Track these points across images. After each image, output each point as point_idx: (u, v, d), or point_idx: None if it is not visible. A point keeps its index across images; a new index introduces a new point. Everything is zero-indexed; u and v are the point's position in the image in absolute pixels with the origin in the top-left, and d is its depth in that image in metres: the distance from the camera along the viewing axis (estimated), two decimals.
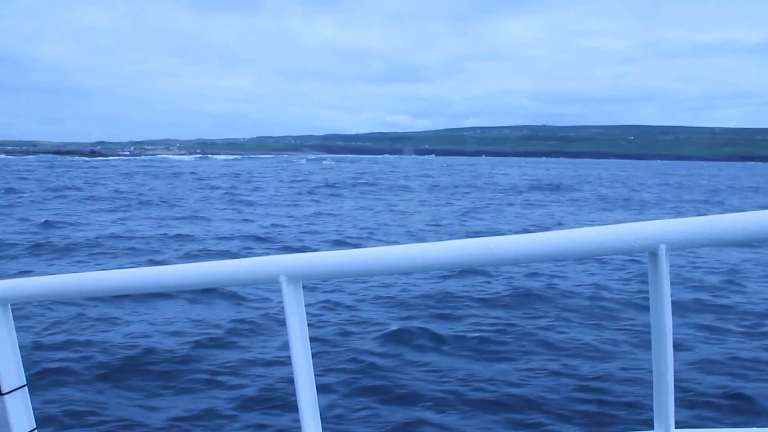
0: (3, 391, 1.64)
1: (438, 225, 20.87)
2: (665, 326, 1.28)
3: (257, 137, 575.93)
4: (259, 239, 16.89)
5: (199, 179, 51.13)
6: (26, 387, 1.70)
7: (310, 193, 36.53)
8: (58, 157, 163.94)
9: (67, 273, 1.67)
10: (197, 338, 7.86)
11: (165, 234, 17.34)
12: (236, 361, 7.07)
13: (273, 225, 20.14)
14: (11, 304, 1.66)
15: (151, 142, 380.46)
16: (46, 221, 19.43)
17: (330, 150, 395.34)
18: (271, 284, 1.41)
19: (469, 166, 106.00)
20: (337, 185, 44.17)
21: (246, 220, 21.40)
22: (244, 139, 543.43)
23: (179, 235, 17.10)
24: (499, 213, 25.22)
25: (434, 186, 45.28)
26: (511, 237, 1.31)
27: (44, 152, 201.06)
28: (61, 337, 7.95)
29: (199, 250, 14.80)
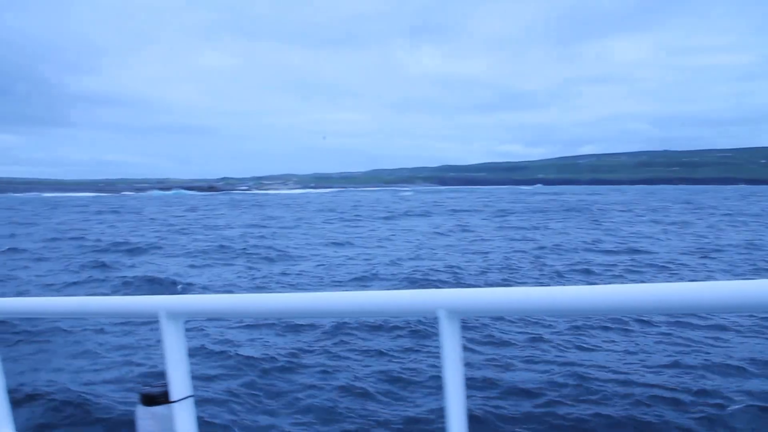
0: (172, 399, 1.73)
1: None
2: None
3: (372, 170, 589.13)
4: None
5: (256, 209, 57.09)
6: (192, 397, 1.78)
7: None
8: (184, 192, 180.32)
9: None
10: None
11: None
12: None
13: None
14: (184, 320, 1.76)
15: (270, 177, 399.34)
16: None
17: (442, 182, 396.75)
18: (428, 317, 1.42)
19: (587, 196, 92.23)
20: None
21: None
22: (359, 172, 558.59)
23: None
24: None
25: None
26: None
27: (167, 188, 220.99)
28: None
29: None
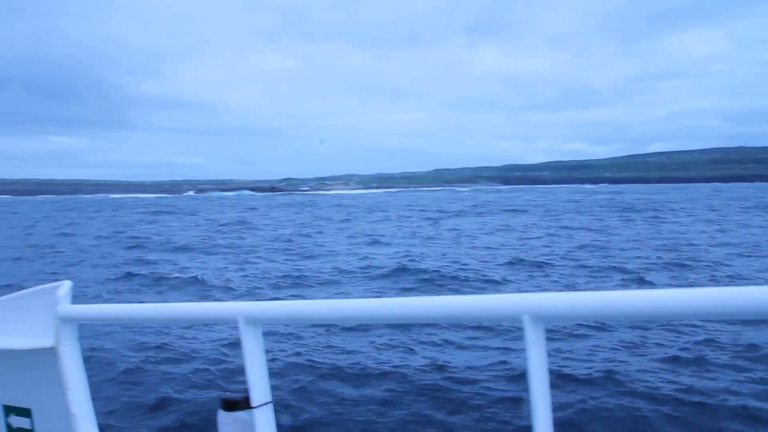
0: (252, 405, 1.76)
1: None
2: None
3: (434, 170, 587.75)
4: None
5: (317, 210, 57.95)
6: (271, 403, 1.80)
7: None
8: (246, 192, 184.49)
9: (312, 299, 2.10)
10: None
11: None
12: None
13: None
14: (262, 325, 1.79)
15: (333, 178, 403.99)
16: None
17: (506, 181, 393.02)
18: (511, 322, 1.41)
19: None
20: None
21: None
22: (421, 172, 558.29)
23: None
24: None
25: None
26: None
27: (230, 189, 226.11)
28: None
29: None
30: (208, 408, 6.91)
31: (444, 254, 21.23)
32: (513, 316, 1.39)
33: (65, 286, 2.17)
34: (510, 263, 18.29)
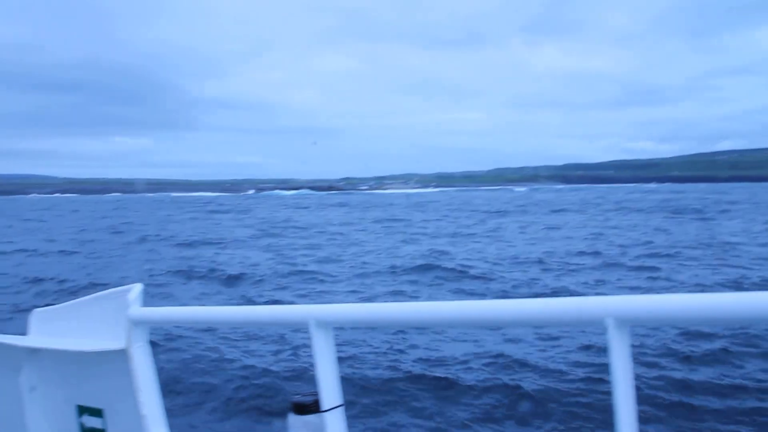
0: (323, 408, 1.75)
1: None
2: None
3: (495, 169, 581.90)
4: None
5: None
6: (342, 407, 1.79)
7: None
8: (305, 191, 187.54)
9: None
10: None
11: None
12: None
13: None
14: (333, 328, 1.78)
15: (392, 177, 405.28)
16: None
17: (567, 180, 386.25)
18: (594, 326, 1.36)
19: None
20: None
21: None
22: (482, 171, 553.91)
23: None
24: None
25: None
26: None
27: (290, 188, 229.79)
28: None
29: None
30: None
31: (469, 252, 21.24)
32: (596, 319, 1.35)
33: (136, 289, 2.20)
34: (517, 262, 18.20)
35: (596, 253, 19.78)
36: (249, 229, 34.24)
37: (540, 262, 18.17)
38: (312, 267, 18.32)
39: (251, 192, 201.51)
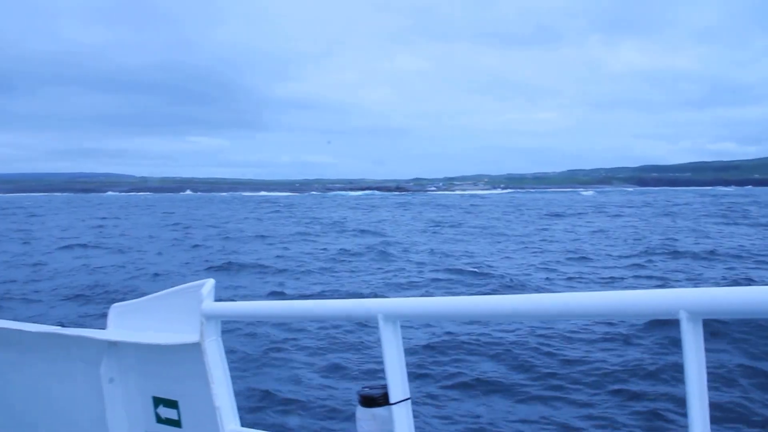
0: (391, 402, 1.77)
1: None
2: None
3: (567, 170, 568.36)
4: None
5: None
6: (409, 400, 1.79)
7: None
8: (371, 193, 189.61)
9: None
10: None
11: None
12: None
13: None
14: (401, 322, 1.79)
15: (462, 178, 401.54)
16: None
17: (642, 182, 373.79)
18: (669, 318, 1.34)
19: None
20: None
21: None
22: (553, 172, 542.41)
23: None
24: None
25: None
26: None
27: (358, 189, 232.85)
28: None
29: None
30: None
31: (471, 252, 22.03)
32: (669, 312, 1.35)
33: (208, 285, 2.26)
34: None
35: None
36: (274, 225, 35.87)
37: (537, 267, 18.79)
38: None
39: (314, 193, 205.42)
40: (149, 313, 2.47)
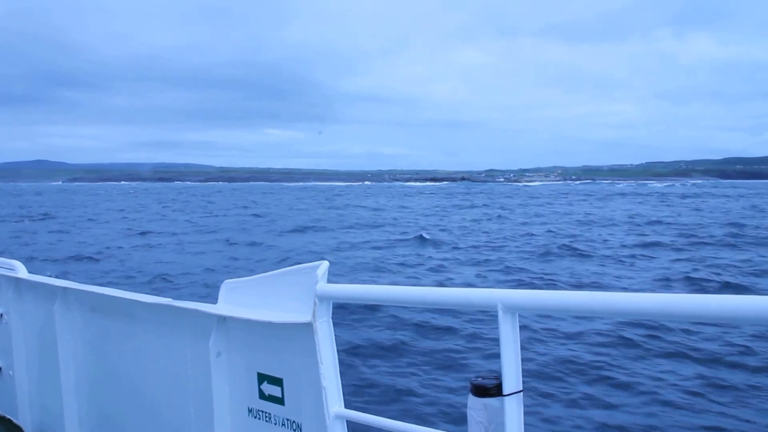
0: (504, 393, 1.73)
1: None
2: None
3: (645, 163, 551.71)
4: None
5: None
6: (522, 392, 1.75)
7: None
8: (452, 184, 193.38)
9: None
10: None
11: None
12: None
13: None
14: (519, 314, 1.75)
15: (535, 170, 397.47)
16: None
17: (725, 175, 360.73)
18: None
19: None
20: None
21: None
22: (630, 165, 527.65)
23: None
24: None
25: None
26: None
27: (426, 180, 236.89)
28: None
29: None
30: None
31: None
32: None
33: (323, 266, 2.26)
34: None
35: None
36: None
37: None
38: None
39: (367, 183, 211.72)
40: (260, 290, 2.51)
